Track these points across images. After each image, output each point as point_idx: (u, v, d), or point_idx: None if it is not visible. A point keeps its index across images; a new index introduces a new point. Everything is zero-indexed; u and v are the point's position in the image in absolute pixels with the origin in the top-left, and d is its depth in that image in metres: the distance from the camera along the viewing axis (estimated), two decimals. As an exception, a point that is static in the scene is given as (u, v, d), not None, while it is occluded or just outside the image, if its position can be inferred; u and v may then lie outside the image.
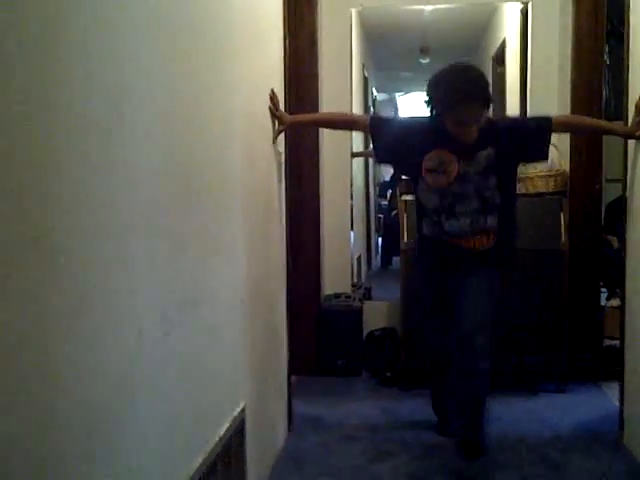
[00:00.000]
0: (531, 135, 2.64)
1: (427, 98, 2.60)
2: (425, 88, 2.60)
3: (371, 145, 2.90)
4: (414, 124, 2.81)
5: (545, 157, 2.74)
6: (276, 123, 2.61)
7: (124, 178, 1.24)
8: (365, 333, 3.92)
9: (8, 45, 0.89)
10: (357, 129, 3.37)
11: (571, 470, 2.63)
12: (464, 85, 2.48)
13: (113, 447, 1.21)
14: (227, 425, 1.92)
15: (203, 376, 1.73)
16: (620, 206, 2.90)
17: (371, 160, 6.25)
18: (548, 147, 2.65)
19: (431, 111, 2.61)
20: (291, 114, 2.81)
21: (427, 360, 3.04)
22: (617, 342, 3.05)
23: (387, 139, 2.71)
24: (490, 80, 4.77)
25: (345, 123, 3.12)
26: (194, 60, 1.66)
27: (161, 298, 1.43)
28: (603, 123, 3.00)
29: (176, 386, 1.52)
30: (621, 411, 2.90)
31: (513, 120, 3.05)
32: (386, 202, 7.58)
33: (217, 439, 1.81)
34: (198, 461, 1.65)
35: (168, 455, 1.48)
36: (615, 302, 3.59)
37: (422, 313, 2.97)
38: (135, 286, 1.29)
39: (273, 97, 2.56)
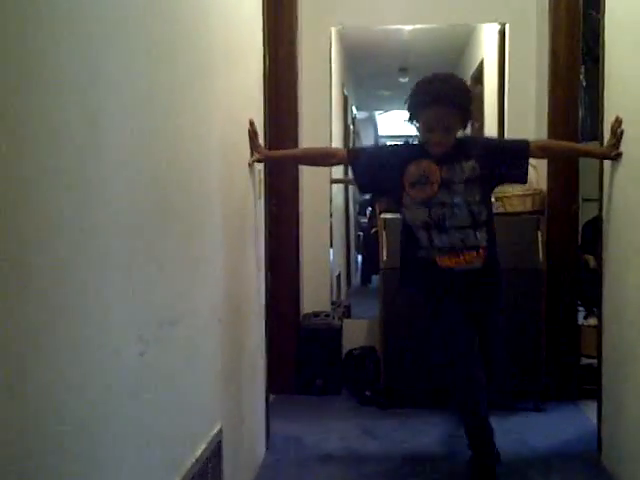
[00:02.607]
0: (510, 157, 2.64)
1: (408, 112, 2.61)
2: (406, 100, 2.61)
3: (351, 175, 2.89)
4: (392, 146, 2.87)
5: (524, 181, 2.73)
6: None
7: (99, 195, 1.23)
8: (344, 351, 3.91)
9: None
10: (336, 163, 3.14)
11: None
12: (437, 87, 2.51)
13: (86, 468, 1.19)
14: (204, 446, 1.89)
15: (179, 396, 1.71)
16: (596, 225, 2.93)
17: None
18: (527, 170, 2.65)
19: (412, 122, 2.63)
20: (271, 133, 2.81)
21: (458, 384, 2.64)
22: (594, 361, 3.06)
23: (367, 167, 2.70)
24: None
25: (324, 157, 2.97)
26: (172, 76, 1.65)
27: (137, 318, 1.41)
28: (579, 146, 3.01)
29: (152, 407, 1.49)
30: (599, 430, 2.90)
31: (492, 140, 3.04)
32: (366, 220, 7.59)
33: (194, 460, 1.79)
34: (173, 484, 1.62)
35: (143, 477, 1.46)
36: (592, 321, 3.61)
37: (439, 337, 2.66)
38: (111, 305, 1.27)
39: (251, 127, 2.53)
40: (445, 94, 2.49)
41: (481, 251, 2.55)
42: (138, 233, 1.41)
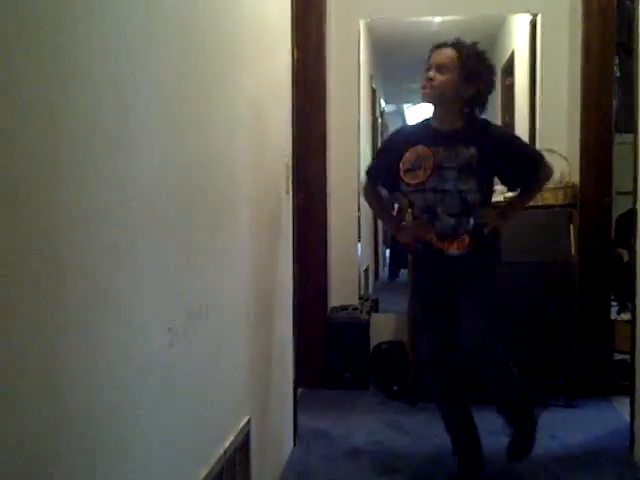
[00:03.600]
0: (520, 166, 2.53)
1: None
2: None
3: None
4: (396, 132, 2.78)
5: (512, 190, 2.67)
6: None
7: (131, 188, 1.23)
8: (372, 346, 3.89)
9: (14, 52, 0.89)
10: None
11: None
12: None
13: (116, 461, 1.19)
14: (232, 438, 1.90)
15: (208, 389, 1.71)
16: (630, 219, 2.88)
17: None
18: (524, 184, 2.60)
19: None
20: (298, 126, 2.82)
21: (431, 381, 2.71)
22: (628, 356, 3.02)
23: (379, 170, 2.69)
24: (499, 91, 4.77)
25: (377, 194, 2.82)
26: (202, 70, 1.65)
27: (167, 309, 1.41)
28: (520, 200, 2.68)
29: (181, 399, 1.50)
30: (631, 426, 2.87)
31: (510, 138, 2.76)
32: (394, 214, 7.55)
33: (222, 452, 1.79)
34: (202, 475, 1.63)
35: (172, 469, 1.47)
36: (626, 316, 3.55)
37: (415, 327, 2.78)
38: (141, 297, 1.28)
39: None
40: (446, 40, 2.46)
41: (472, 238, 2.47)
42: (168, 225, 1.42)
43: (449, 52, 2.44)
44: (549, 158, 2.83)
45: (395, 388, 3.63)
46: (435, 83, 2.43)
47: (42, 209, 0.95)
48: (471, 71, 2.44)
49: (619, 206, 3.78)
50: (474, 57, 2.47)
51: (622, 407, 3.25)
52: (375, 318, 4.01)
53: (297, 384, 3.02)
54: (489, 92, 2.53)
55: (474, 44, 2.49)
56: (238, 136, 2.01)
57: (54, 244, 0.99)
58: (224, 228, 1.86)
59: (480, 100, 2.51)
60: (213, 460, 1.73)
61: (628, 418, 2.93)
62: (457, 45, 2.45)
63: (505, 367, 2.56)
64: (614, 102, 3.57)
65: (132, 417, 1.25)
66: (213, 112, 1.75)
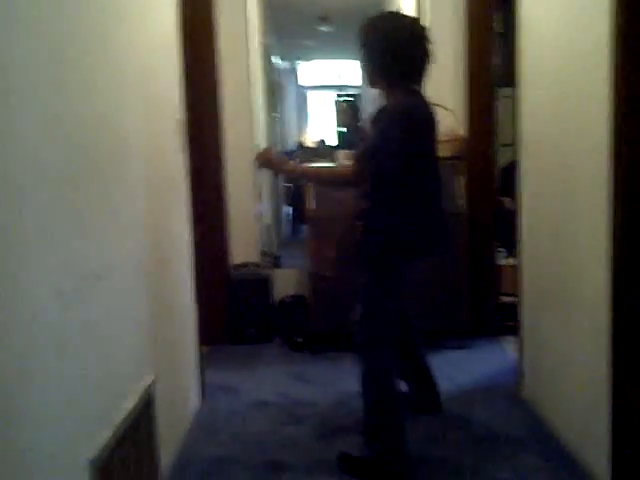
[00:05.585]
0: None
1: None
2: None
3: None
4: None
5: None
6: None
7: (11, 147, 1.21)
8: (276, 301, 3.96)
9: None
10: None
11: (473, 423, 2.76)
12: None
13: (10, 432, 1.19)
14: (136, 398, 1.91)
15: (107, 350, 1.71)
16: (513, 169, 3.03)
17: (276, 128, 6.23)
18: None
19: None
20: (188, 83, 2.79)
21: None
22: (514, 298, 3.20)
23: None
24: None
25: None
26: (83, 28, 1.61)
27: (56, 272, 1.40)
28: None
29: (78, 361, 1.50)
30: (519, 364, 3.05)
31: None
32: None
33: (125, 413, 1.81)
34: (105, 436, 1.64)
35: (74, 431, 1.47)
36: (512, 261, 3.75)
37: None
38: (26, 261, 1.26)
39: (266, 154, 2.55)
40: None
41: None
42: (54, 186, 1.39)
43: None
44: (437, 111, 2.92)
45: (298, 340, 3.72)
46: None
47: None
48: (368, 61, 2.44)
49: (505, 157, 3.97)
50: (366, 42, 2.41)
51: (510, 346, 3.46)
52: (277, 273, 4.08)
53: (202, 342, 3.05)
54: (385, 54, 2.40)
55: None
56: (125, 93, 1.97)
57: None
58: (116, 188, 1.84)
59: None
60: (117, 420, 1.74)
61: (516, 356, 3.13)
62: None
63: (369, 373, 2.39)
64: (499, 58, 3.72)
65: (25, 382, 1.24)
66: (98, 69, 1.71)
